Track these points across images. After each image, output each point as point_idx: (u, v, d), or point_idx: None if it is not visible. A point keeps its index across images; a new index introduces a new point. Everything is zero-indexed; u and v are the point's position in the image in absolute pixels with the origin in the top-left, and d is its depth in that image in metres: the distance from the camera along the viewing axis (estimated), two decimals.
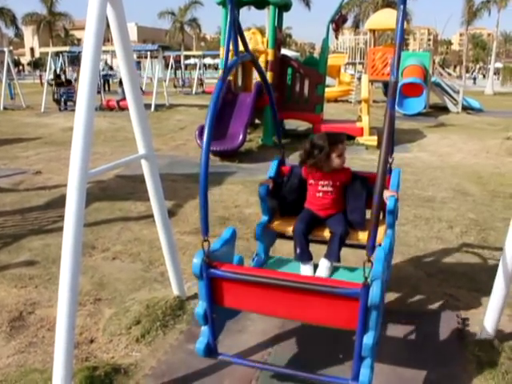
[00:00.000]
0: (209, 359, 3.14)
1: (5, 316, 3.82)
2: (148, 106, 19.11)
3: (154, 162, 3.46)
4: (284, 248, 4.31)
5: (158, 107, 19.77)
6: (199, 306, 2.73)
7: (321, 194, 3.40)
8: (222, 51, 11.78)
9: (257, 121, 12.99)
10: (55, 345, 2.73)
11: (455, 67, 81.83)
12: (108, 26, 2.83)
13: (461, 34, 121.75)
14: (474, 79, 50.96)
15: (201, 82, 31.40)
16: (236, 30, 2.76)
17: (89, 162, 2.68)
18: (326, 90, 21.21)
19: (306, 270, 3.33)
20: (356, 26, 46.01)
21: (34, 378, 3.04)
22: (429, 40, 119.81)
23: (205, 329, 2.78)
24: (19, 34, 66.65)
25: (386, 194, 3.14)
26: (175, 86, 31.26)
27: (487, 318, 3.45)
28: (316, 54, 29.38)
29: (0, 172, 8.80)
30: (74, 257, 2.64)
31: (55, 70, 21.31)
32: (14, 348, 3.42)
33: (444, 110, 19.99)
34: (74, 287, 2.70)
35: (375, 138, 11.62)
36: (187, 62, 39.27)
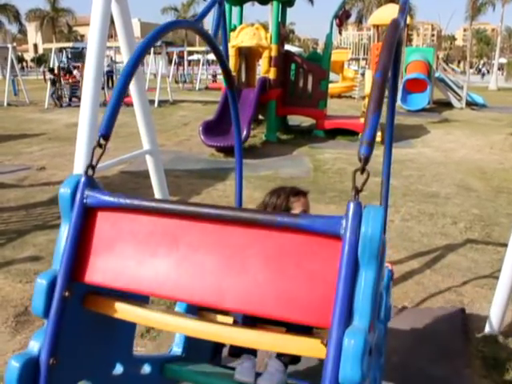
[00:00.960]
0: None
1: (10, 311, 3.84)
2: (151, 102, 19.10)
3: (159, 158, 3.47)
4: None
5: (162, 103, 19.79)
6: (44, 274, 1.60)
7: None
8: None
9: (260, 116, 12.98)
10: None
11: (459, 63, 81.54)
12: (112, 22, 2.84)
13: (465, 30, 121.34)
14: (483, 74, 50.65)
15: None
16: (226, 23, 2.74)
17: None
18: (330, 85, 21.22)
19: None
20: (359, 21, 45.96)
21: None
22: (432, 35, 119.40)
23: (40, 331, 1.57)
24: (22, 30, 66.72)
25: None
26: (177, 82, 31.26)
27: (492, 314, 3.45)
28: (319, 50, 29.30)
29: (4, 168, 8.82)
30: None
31: (59, 66, 21.31)
32: (19, 343, 3.43)
33: (448, 105, 19.93)
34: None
35: (379, 133, 11.59)
36: (190, 57, 39.23)
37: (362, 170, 1.33)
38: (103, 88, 19.24)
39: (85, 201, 1.62)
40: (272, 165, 9.18)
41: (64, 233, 1.62)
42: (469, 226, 5.73)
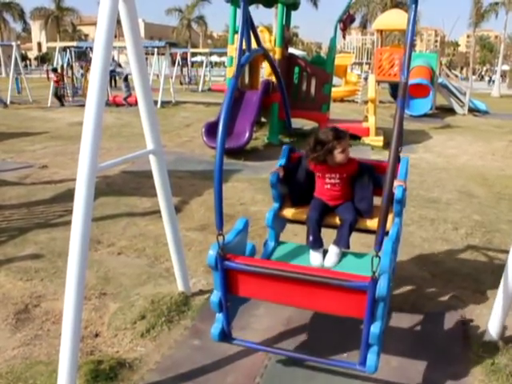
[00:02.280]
0: (212, 355, 3.19)
1: (10, 308, 3.85)
2: (154, 103, 19.03)
3: (162, 158, 3.47)
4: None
5: (164, 104, 19.81)
6: (214, 295, 2.85)
7: (328, 186, 3.43)
8: (229, 49, 11.78)
9: (263, 119, 12.98)
10: (61, 337, 2.74)
11: (462, 69, 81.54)
12: (117, 22, 2.84)
13: (468, 36, 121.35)
14: (489, 81, 49.71)
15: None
16: (249, 26, 2.78)
17: (98, 156, 2.70)
18: (333, 89, 21.25)
19: (315, 256, 3.38)
20: (363, 26, 45.90)
21: (39, 370, 3.06)
22: (436, 41, 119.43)
23: (219, 316, 2.89)
24: (27, 29, 66.84)
25: (394, 183, 3.10)
26: (181, 83, 31.29)
27: (492, 320, 3.45)
28: (323, 54, 29.32)
29: (7, 166, 8.84)
30: (81, 251, 2.65)
31: (62, 65, 21.32)
32: (19, 340, 3.44)
33: (450, 111, 19.93)
34: (81, 281, 2.71)
35: (381, 138, 11.61)
36: (194, 59, 39.27)
37: (377, 255, 2.38)
38: (107, 88, 19.30)
39: (223, 267, 2.72)
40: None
41: (217, 279, 2.79)
42: (470, 232, 5.73)
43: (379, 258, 2.38)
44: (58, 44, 22.48)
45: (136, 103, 7.44)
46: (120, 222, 5.93)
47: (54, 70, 20.54)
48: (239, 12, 10.74)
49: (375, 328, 2.52)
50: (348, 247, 3.37)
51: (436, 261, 4.95)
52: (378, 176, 3.38)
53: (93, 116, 2.60)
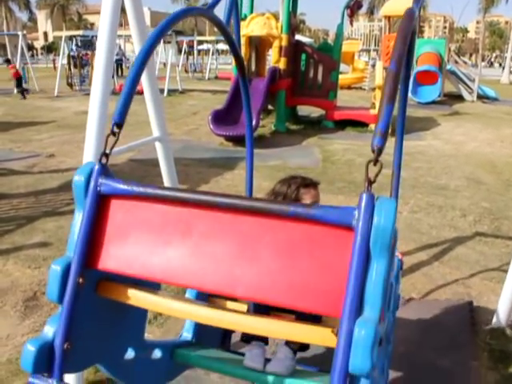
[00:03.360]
0: None
1: (19, 296, 3.88)
2: (161, 91, 19.01)
3: (168, 145, 3.47)
4: None
5: (171, 92, 19.76)
6: (59, 260, 1.59)
7: None
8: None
9: (270, 106, 12.94)
10: None
11: (471, 55, 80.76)
12: (122, 10, 2.82)
13: (477, 22, 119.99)
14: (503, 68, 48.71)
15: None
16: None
17: (103, 143, 2.69)
18: (340, 76, 21.14)
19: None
20: (371, 12, 45.54)
21: None
22: (444, 28, 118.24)
23: (55, 317, 1.59)
24: (33, 18, 66.79)
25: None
26: (186, 71, 31.21)
27: (500, 307, 3.44)
28: (330, 41, 29.17)
29: (14, 155, 8.87)
30: None
31: (69, 54, 21.33)
32: (28, 327, 3.47)
33: (459, 98, 19.75)
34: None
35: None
36: (200, 47, 39.11)
37: (376, 161, 1.33)
38: (113, 76, 19.29)
39: (98, 188, 1.61)
40: (281, 155, 9.16)
41: (78, 220, 1.63)
42: (478, 219, 5.69)
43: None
44: (64, 33, 22.46)
45: (142, 92, 7.43)
46: None
47: (7, 61, 20.47)
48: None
49: (364, 326, 1.22)
50: None
51: (444, 248, 4.93)
52: None
53: (98, 104, 2.60)
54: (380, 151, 1.33)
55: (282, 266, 1.42)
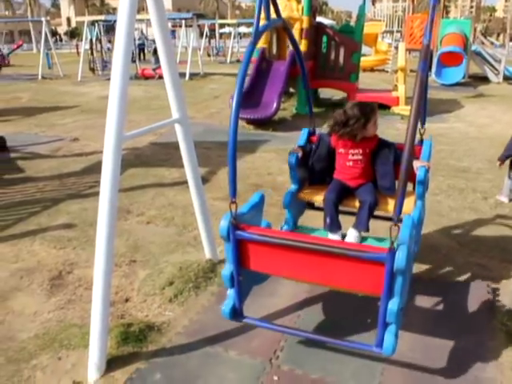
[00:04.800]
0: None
1: (45, 275, 4.01)
2: (182, 75, 19.15)
3: (188, 127, 3.52)
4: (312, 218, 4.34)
5: (193, 76, 19.79)
6: (225, 269, 2.75)
7: (351, 163, 3.33)
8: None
9: (291, 89, 12.88)
10: (92, 302, 2.86)
11: (498, 35, 78.72)
12: None
13: (506, 0, 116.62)
14: None
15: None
16: None
17: (124, 125, 2.75)
18: (362, 58, 20.88)
19: (334, 239, 3.30)
20: None
21: (72, 332, 3.20)
22: (471, 7, 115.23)
23: (231, 292, 2.80)
24: (56, 4, 67.22)
25: (417, 163, 3.13)
26: (209, 55, 31.18)
27: None
28: (353, 23, 28.77)
29: (39, 139, 9.05)
30: (110, 218, 2.74)
31: (91, 39, 21.49)
32: (54, 304, 3.59)
33: (484, 79, 19.35)
34: (110, 248, 2.80)
35: (409, 107, 11.40)
36: (222, 30, 38.97)
37: (397, 221, 2.31)
38: (135, 61, 19.41)
39: (236, 237, 2.62)
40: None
41: (229, 251, 2.69)
42: (499, 202, 5.64)
43: (398, 227, 2.29)
44: (87, 18, 22.54)
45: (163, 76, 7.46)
46: (149, 192, 6.04)
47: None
48: None
49: (393, 305, 2.40)
50: (367, 230, 3.26)
51: (463, 230, 4.91)
52: (399, 153, 3.29)
53: (118, 86, 2.65)
54: (399, 219, 2.35)
55: (349, 278, 2.54)
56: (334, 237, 3.31)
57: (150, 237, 4.74)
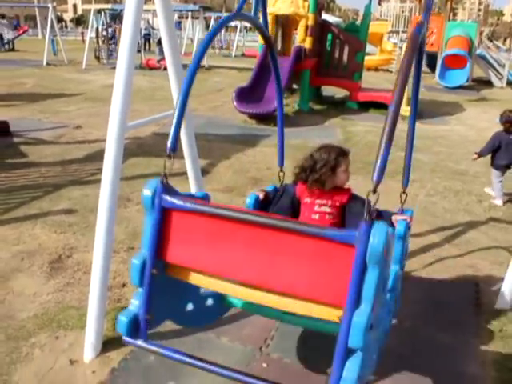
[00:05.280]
0: (231, 309, 3.08)
1: (45, 258, 4.11)
2: (187, 67, 19.17)
3: (190, 119, 3.60)
4: None
5: (197, 68, 19.80)
6: (137, 256, 2.13)
7: (317, 217, 2.85)
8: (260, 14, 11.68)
9: (294, 86, 12.95)
10: (91, 285, 2.95)
11: (505, 40, 78.57)
12: None
13: None
14: None
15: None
16: None
17: (127, 114, 2.84)
18: (367, 58, 20.86)
19: None
20: None
21: (70, 314, 3.31)
22: (479, 10, 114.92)
23: (138, 294, 2.17)
24: None
25: (397, 217, 2.76)
26: (213, 48, 31.17)
27: (504, 289, 3.53)
28: (359, 21, 28.73)
29: (43, 125, 9.13)
30: (110, 204, 2.83)
31: (97, 28, 21.53)
32: (53, 287, 3.69)
33: (488, 83, 19.40)
34: (110, 234, 2.89)
35: (408, 108, 11.45)
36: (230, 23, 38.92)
37: (374, 191, 1.65)
38: (140, 51, 19.46)
39: (162, 204, 2.08)
40: (303, 134, 9.23)
41: (148, 225, 2.12)
42: (494, 205, 5.73)
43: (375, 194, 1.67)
44: (93, 6, 22.59)
45: (157, 67, 7.70)
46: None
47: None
48: None
49: (360, 316, 1.69)
50: None
51: (457, 231, 5.01)
52: None
53: (123, 76, 2.74)
54: (377, 184, 1.67)
55: (302, 269, 1.89)
56: None
57: None
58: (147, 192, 2.09)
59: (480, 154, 5.86)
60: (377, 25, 21.65)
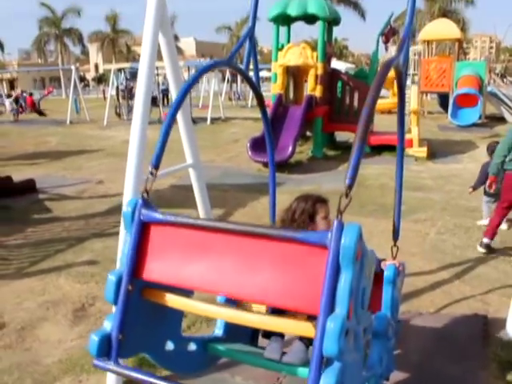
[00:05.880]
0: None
1: (69, 307, 4.34)
2: (204, 120, 19.87)
3: (201, 171, 3.87)
4: None
5: (214, 120, 20.44)
6: (113, 272, 2.13)
7: None
8: (273, 65, 12.20)
9: (308, 133, 13.29)
10: None
11: None
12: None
13: None
14: None
15: None
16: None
17: (142, 168, 3.12)
18: (380, 101, 21.18)
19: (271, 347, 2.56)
20: (413, 36, 45.32)
21: (91, 359, 3.48)
22: (491, 48, 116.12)
23: (112, 314, 2.14)
24: (85, 51, 70.07)
25: (386, 262, 2.78)
26: (230, 99, 32.05)
27: (510, 320, 3.62)
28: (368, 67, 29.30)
29: (66, 181, 9.55)
30: None
31: (117, 86, 22.46)
32: (76, 333, 3.91)
33: (501, 120, 19.52)
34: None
35: (425, 149, 11.65)
36: None
37: (346, 195, 1.73)
38: (158, 105, 20.21)
39: (142, 218, 2.13)
40: (316, 180, 9.47)
41: (127, 241, 2.13)
42: (504, 240, 5.82)
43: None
44: (113, 66, 23.67)
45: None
46: None
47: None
48: (282, 29, 11.10)
49: (334, 320, 1.63)
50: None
51: (466, 267, 5.10)
52: None
53: (138, 133, 3.06)
54: (350, 188, 1.73)
55: (276, 276, 1.89)
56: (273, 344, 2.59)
57: None
58: (127, 208, 2.14)
59: (474, 188, 6.50)
60: None
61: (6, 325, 4.07)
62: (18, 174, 9.94)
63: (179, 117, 3.62)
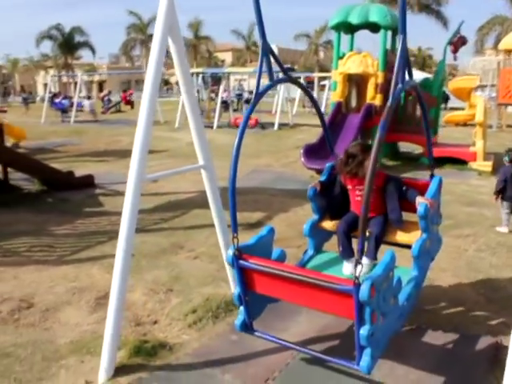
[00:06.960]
0: (243, 349, 3.65)
1: (94, 294, 4.63)
2: (271, 125, 20.12)
3: (212, 172, 4.00)
4: None
5: (282, 126, 20.61)
6: (235, 290, 3.36)
7: (359, 199, 3.65)
8: (333, 73, 12.16)
9: (370, 142, 13.09)
10: (107, 315, 3.41)
11: None
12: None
13: None
14: None
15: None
16: (268, 56, 3.18)
17: (145, 168, 3.29)
18: (454, 113, 20.51)
19: (346, 265, 3.68)
20: (497, 45, 43.00)
21: (100, 343, 3.68)
22: None
23: (241, 309, 3.31)
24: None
25: (420, 199, 3.50)
26: (304, 106, 32.11)
27: None
28: (458, 76, 28.42)
29: (124, 178, 9.79)
30: (127, 242, 3.27)
31: (197, 90, 23.19)
32: (94, 319, 4.17)
33: None
34: (125, 274, 3.36)
35: (490, 163, 11.15)
36: (323, 82, 39.96)
37: (358, 262, 2.64)
38: (229, 109, 20.70)
39: (239, 266, 3.14)
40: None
41: (235, 273, 3.21)
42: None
43: (361, 264, 2.63)
44: (193, 70, 24.50)
45: (255, 124, 8.51)
46: (205, 231, 6.55)
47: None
48: (344, 37, 10.99)
49: (364, 331, 2.74)
50: (375, 259, 3.61)
51: (497, 287, 4.88)
52: (405, 188, 3.66)
53: (141, 135, 3.22)
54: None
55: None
56: (347, 264, 3.66)
57: (192, 270, 5.23)
58: (229, 252, 3.16)
59: (497, 192, 6.48)
60: (464, 80, 21.34)
61: (34, 305, 4.41)
62: (84, 169, 10.60)
63: (190, 119, 3.77)
